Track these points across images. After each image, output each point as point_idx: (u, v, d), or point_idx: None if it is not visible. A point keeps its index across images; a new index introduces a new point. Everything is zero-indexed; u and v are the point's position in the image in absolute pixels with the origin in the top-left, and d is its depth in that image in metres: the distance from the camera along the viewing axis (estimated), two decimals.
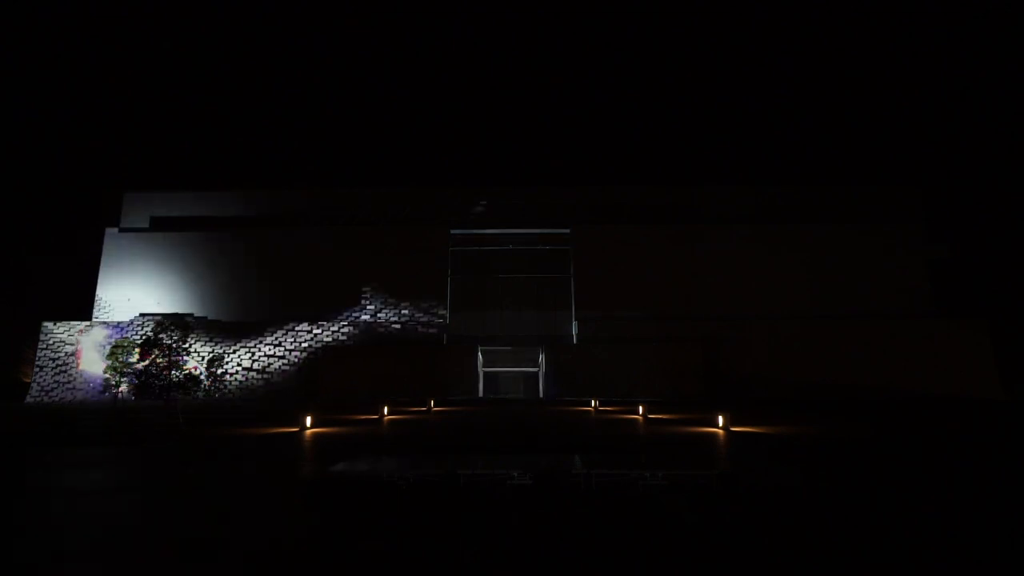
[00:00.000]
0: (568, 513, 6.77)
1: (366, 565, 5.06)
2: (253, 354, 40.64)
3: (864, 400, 36.30)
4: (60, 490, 8.60)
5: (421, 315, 42.67)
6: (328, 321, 41.93)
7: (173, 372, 20.69)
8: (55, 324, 41.12)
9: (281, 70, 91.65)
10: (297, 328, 41.46)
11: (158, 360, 20.62)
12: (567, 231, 44.60)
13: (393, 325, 42.18)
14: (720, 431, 17.42)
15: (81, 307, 43.43)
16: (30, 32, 74.50)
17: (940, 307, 42.48)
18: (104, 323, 41.28)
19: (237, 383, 39.95)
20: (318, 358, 39.83)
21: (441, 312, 42.80)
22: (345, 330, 41.63)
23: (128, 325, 40.36)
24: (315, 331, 41.46)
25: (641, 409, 23.97)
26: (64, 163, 76.60)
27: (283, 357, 40.64)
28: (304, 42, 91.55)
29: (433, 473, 7.93)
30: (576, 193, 46.09)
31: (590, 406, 30.31)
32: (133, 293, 43.35)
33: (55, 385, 39.55)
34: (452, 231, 44.76)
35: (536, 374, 44.69)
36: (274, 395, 39.49)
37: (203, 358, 24.04)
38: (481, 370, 42.30)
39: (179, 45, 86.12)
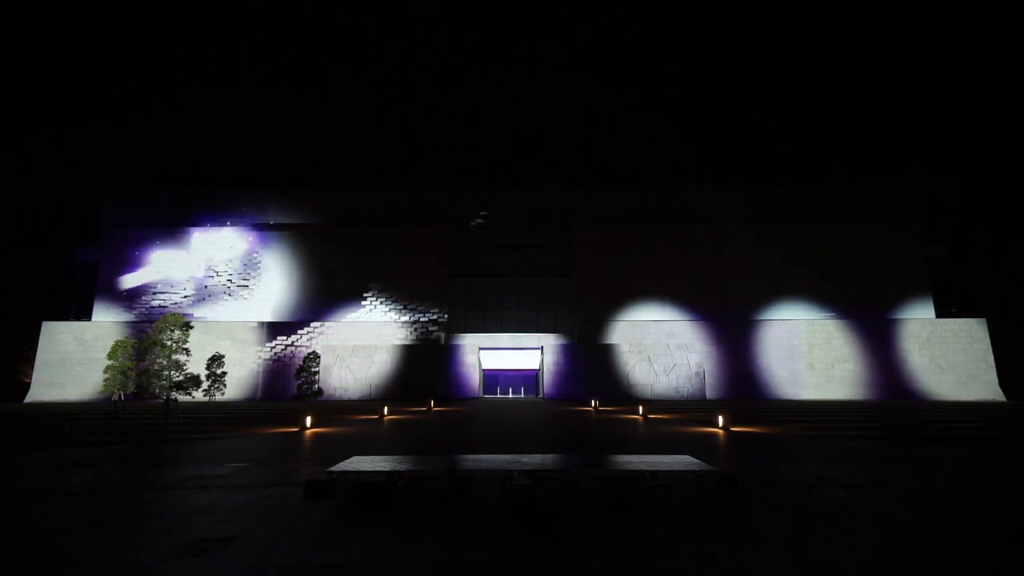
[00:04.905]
0: (567, 512, 6.76)
1: (365, 565, 5.05)
2: (254, 354, 40.62)
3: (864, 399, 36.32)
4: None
5: (421, 315, 42.62)
6: (328, 321, 41.92)
7: (172, 372, 20.68)
8: (55, 324, 41.11)
9: (282, 67, 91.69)
10: (298, 328, 41.48)
11: (158, 360, 20.62)
12: (567, 231, 44.57)
13: (393, 325, 42.14)
14: (720, 431, 17.43)
15: (81, 307, 43.35)
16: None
17: (940, 307, 42.46)
18: (104, 323, 41.26)
19: (237, 383, 39.92)
20: (318, 358, 39.81)
21: (442, 312, 42.75)
22: (346, 330, 41.62)
23: (128, 325, 40.36)
24: (315, 331, 41.45)
25: (641, 409, 23.97)
26: (63, 163, 76.63)
27: (283, 357, 40.62)
28: (305, 40, 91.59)
29: (432, 473, 7.92)
30: (576, 193, 46.09)
31: (590, 406, 30.29)
32: (132, 294, 43.33)
33: (55, 385, 39.52)
34: (453, 231, 44.72)
35: (536, 374, 44.69)
36: (275, 395, 39.47)
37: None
38: (481, 370, 42.30)
39: (177, 43, 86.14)
